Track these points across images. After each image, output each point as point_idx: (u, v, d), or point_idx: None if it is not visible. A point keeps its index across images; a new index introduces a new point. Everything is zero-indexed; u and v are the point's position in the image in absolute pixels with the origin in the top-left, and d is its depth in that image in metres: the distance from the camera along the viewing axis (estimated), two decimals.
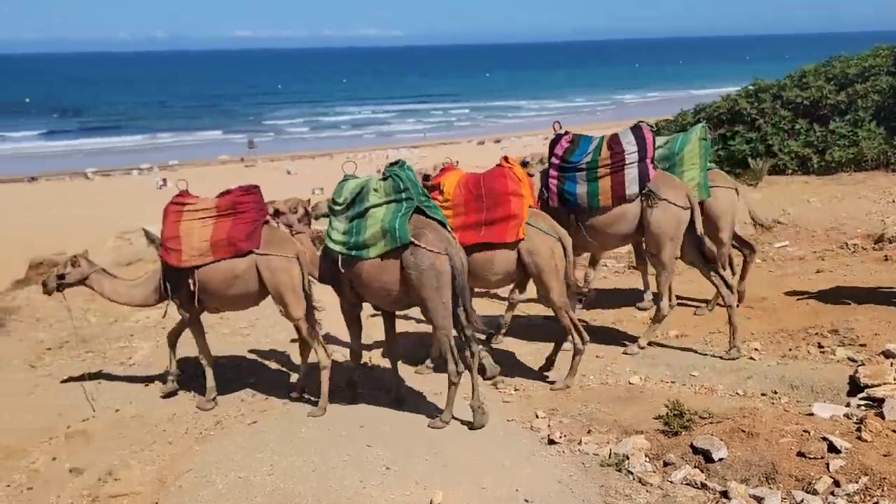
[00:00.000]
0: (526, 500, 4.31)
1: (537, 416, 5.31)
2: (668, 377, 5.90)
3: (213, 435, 5.30)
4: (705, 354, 6.26)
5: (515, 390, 5.83)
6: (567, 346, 5.88)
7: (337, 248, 5.08)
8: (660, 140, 6.45)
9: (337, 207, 5.17)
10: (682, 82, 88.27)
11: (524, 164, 7.48)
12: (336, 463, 4.64)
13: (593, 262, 7.52)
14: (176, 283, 5.45)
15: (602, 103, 78.42)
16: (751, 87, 14.10)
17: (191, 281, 5.34)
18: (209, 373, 5.78)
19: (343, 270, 5.09)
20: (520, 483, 4.47)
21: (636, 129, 5.98)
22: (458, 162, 6.20)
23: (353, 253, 4.98)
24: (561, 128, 6.23)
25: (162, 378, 6.19)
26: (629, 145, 5.87)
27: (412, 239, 4.78)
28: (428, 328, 5.53)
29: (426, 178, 5.85)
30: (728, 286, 6.12)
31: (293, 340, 6.61)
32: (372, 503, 4.23)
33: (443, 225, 5.03)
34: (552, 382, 5.83)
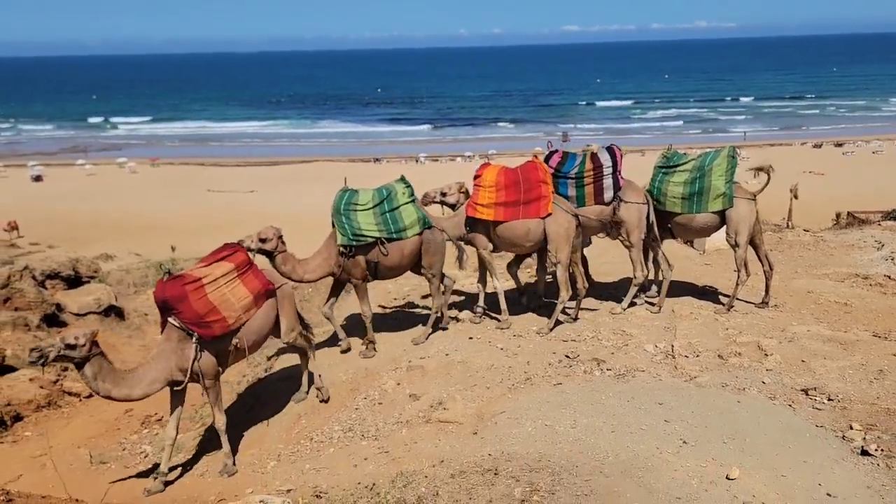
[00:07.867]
0: (829, 495, 4.23)
1: (851, 428, 5.02)
2: None
3: (523, 388, 6.00)
4: None
5: (829, 400, 5.55)
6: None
7: (376, 234, 6.81)
8: (692, 154, 7.97)
9: (360, 208, 6.84)
10: None
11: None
12: (634, 429, 5.00)
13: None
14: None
15: None
16: None
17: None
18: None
19: (377, 250, 6.88)
20: (823, 479, 4.39)
21: (609, 149, 7.56)
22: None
23: (395, 235, 6.87)
24: (552, 146, 7.94)
25: (481, 335, 7.13)
26: (606, 160, 7.44)
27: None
28: None
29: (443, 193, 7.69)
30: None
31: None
32: (668, 466, 4.50)
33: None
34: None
